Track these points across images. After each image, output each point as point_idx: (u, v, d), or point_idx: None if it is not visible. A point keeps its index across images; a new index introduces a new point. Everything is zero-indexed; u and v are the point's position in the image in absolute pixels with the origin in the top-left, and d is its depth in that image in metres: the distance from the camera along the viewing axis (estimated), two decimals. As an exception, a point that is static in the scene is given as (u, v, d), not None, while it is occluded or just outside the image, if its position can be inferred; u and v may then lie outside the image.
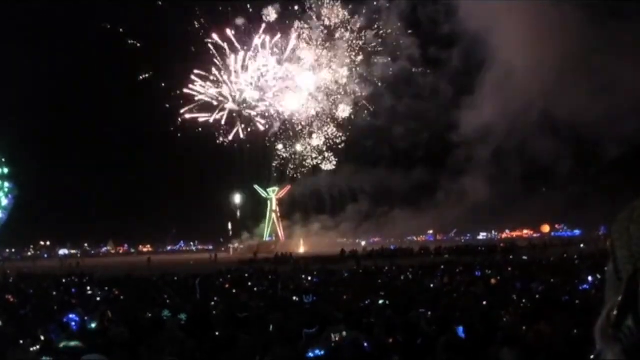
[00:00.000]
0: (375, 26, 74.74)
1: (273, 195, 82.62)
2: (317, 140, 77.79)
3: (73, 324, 9.72)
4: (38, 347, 7.06)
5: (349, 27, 74.86)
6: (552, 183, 73.89)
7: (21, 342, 7.48)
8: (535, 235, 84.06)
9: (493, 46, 67.16)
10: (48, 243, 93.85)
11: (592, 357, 0.82)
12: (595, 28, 59.61)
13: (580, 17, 60.20)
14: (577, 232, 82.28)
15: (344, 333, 7.51)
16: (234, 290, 18.65)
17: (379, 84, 75.84)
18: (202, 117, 75.16)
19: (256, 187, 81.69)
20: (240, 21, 73.80)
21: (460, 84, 71.84)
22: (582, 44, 60.77)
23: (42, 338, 7.85)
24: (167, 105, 73.90)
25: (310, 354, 6.62)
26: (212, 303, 14.03)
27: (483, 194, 69.29)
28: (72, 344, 6.22)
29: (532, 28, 63.52)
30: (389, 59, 75.35)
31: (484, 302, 11.54)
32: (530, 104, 66.57)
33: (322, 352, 6.62)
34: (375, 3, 74.49)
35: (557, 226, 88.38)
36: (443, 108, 73.57)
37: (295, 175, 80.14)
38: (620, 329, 0.75)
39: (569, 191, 67.63)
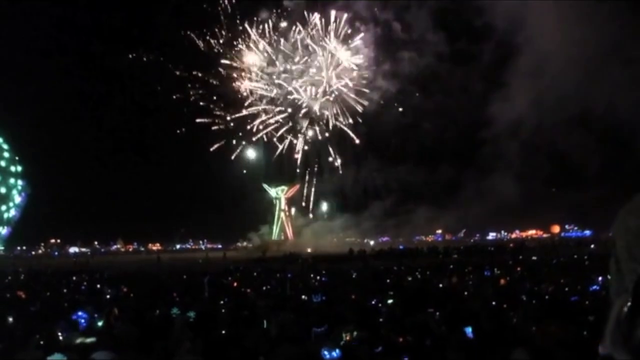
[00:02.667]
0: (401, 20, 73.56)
1: (282, 194, 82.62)
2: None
3: (82, 321, 9.77)
4: (47, 344, 7.10)
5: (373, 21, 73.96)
6: (570, 184, 72.39)
7: (30, 339, 7.53)
8: (544, 235, 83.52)
9: (521, 40, 65.15)
10: (59, 241, 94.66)
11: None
12: (631, 18, 56.60)
13: (615, 7, 57.30)
14: (587, 232, 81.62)
15: (354, 332, 7.50)
16: (242, 289, 18.67)
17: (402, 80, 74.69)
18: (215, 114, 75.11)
19: (265, 186, 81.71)
20: (264, 14, 73.34)
21: (484, 81, 70.33)
22: (617, 35, 58.62)
23: (51, 335, 7.90)
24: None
25: (326, 355, 6.60)
26: (221, 302, 14.06)
27: (499, 194, 68.16)
28: (79, 340, 6.25)
29: (564, 19, 61.08)
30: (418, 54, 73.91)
31: (493, 303, 11.47)
32: (558, 102, 63.94)
33: (336, 354, 6.61)
34: None
35: (567, 227, 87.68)
36: (467, 105, 72.00)
37: (313, 172, 79.49)
38: (631, 337, 0.71)
39: (589, 192, 65.88)
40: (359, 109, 75.47)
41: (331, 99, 75.38)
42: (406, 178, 73.48)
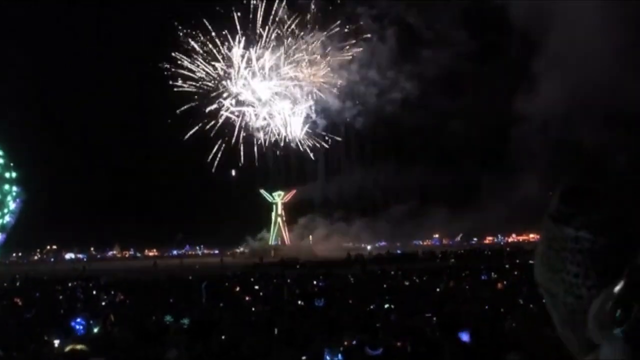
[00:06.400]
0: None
1: (279, 199, 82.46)
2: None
3: (78, 327, 9.71)
4: (43, 351, 7.06)
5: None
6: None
7: (26, 345, 7.48)
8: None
9: (547, 35, 63.95)
10: (55, 247, 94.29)
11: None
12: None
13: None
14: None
15: (354, 337, 7.49)
16: (240, 295, 18.62)
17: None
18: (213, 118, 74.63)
19: (262, 191, 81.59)
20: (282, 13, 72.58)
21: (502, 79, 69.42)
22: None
23: (47, 342, 7.85)
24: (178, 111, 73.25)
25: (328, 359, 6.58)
26: (218, 307, 14.00)
27: (499, 197, 67.26)
28: (77, 347, 6.21)
29: (593, 11, 58.71)
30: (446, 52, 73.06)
31: (490, 307, 11.46)
32: (581, 99, 62.47)
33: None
34: None
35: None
36: (489, 105, 70.79)
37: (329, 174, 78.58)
38: (625, 322, 0.78)
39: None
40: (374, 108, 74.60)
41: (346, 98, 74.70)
42: (415, 182, 73.17)
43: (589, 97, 61.05)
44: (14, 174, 61.51)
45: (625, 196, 0.90)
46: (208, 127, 74.66)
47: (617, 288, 0.80)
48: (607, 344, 0.80)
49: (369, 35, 73.42)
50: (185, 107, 73.51)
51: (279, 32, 73.08)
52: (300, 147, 76.70)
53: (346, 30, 73.04)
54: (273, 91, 74.50)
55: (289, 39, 73.17)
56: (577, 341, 0.87)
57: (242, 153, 76.88)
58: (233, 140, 76.17)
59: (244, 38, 72.85)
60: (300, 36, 73.03)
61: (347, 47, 73.75)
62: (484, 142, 72.41)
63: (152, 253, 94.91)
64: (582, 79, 60.59)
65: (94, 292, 22.12)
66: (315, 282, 23.93)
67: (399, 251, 64.57)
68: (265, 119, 75.61)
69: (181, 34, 72.31)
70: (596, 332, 0.82)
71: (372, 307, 12.52)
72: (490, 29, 69.73)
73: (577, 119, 63.77)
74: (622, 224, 0.85)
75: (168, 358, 6.03)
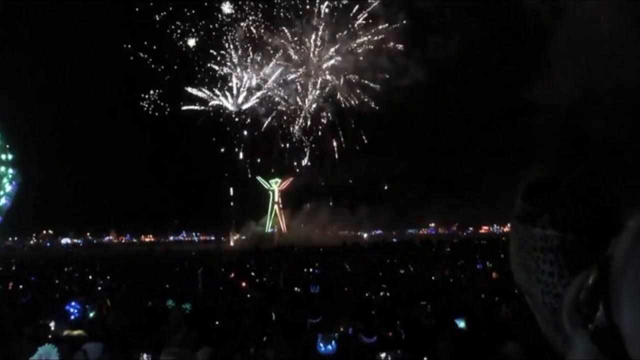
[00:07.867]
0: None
1: (275, 186, 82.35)
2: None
3: (74, 312, 9.73)
4: (38, 335, 7.06)
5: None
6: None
7: (22, 330, 7.49)
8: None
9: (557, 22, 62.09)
10: (50, 232, 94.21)
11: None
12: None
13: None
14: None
15: (348, 324, 7.52)
16: (236, 281, 18.68)
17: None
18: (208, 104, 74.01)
19: (258, 178, 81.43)
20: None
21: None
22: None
23: (43, 326, 7.86)
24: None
25: (322, 349, 6.61)
26: (215, 293, 14.05)
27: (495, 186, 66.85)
28: (74, 333, 6.23)
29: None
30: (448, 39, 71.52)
31: (485, 296, 11.53)
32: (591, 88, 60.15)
33: (332, 347, 6.62)
34: None
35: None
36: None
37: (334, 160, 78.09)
38: (590, 318, 0.74)
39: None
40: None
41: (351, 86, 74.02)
42: (421, 169, 72.87)
43: (601, 87, 60.18)
44: (10, 156, 61.21)
45: (589, 190, 0.88)
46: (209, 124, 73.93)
47: (589, 279, 0.77)
48: (578, 344, 0.77)
49: (377, 17, 72.14)
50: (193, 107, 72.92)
51: (288, 15, 72.37)
52: (305, 133, 76.44)
53: (354, 14, 71.89)
54: (280, 77, 73.99)
55: (298, 23, 72.43)
56: (562, 340, 0.84)
57: (243, 140, 76.65)
58: (238, 133, 75.81)
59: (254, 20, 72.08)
60: (309, 21, 72.22)
61: (357, 32, 72.85)
62: (492, 131, 71.95)
63: (148, 239, 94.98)
64: (594, 69, 59.65)
65: (90, 277, 22.16)
66: (311, 270, 24.03)
67: (394, 239, 64.78)
68: (270, 105, 75.13)
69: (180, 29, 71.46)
70: (568, 328, 0.80)
71: (367, 294, 12.58)
72: (500, 17, 68.88)
73: (588, 110, 62.91)
74: (588, 218, 0.84)
75: (172, 342, 6.04)
